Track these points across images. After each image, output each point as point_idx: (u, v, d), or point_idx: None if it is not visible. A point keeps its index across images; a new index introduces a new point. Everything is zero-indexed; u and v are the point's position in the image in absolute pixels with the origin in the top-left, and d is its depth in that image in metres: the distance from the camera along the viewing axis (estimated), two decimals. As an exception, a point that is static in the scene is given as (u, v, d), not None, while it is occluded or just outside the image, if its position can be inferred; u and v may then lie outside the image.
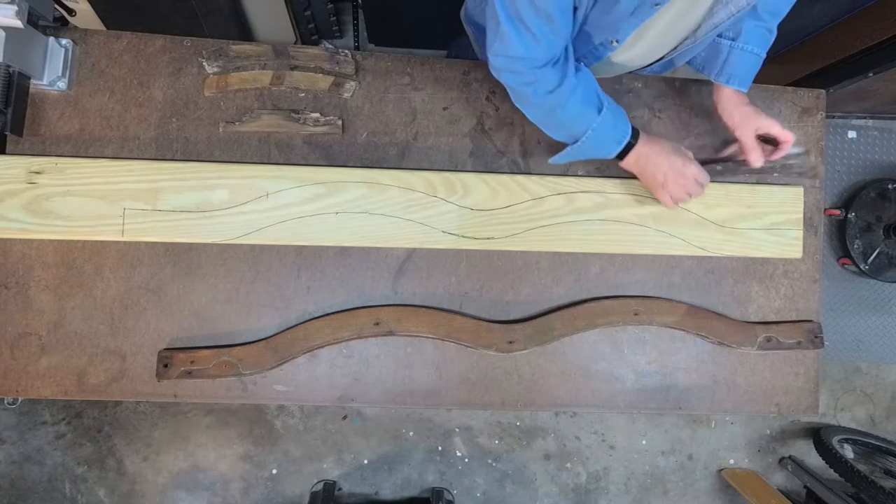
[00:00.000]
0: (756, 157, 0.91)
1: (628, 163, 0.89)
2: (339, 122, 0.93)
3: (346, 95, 0.94)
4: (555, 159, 0.91)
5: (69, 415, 1.84)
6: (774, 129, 0.90)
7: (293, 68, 0.93)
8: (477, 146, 0.97)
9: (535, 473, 1.94)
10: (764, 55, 0.91)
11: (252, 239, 0.91)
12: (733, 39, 0.90)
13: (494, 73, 0.80)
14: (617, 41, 0.82)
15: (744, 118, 0.92)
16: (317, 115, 0.93)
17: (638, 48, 0.88)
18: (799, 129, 1.03)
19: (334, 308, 0.94)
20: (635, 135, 0.86)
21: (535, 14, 0.70)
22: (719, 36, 0.91)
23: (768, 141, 0.93)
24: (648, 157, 0.88)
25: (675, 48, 0.88)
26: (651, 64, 0.94)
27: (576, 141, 0.85)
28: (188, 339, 0.92)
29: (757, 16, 0.88)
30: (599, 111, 0.82)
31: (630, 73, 1.00)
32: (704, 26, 0.82)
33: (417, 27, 1.73)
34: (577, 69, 0.81)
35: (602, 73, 1.00)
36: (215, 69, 0.92)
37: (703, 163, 0.95)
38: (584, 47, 0.87)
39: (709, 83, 1.02)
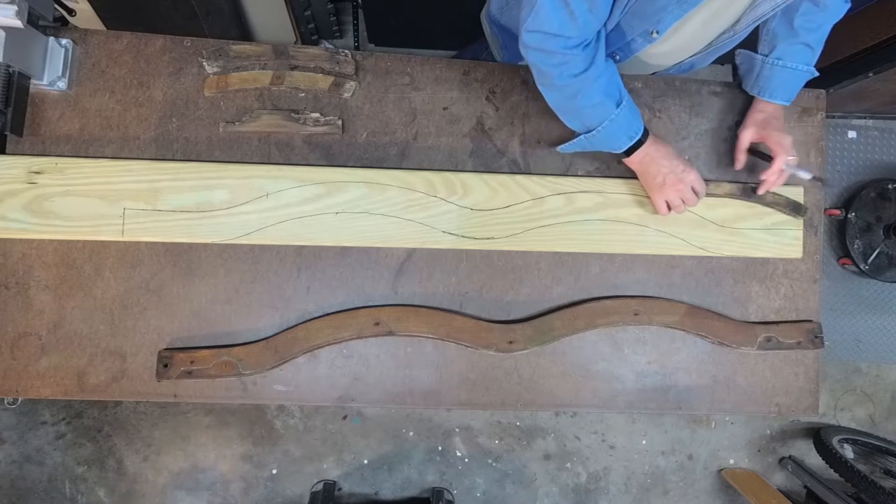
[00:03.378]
0: (738, 161, 0.96)
1: (633, 160, 0.89)
2: (339, 122, 0.93)
3: (346, 95, 0.94)
4: (564, 147, 0.92)
5: (69, 415, 1.84)
6: (770, 141, 0.91)
7: (293, 68, 0.93)
8: (477, 146, 0.97)
9: (535, 473, 1.94)
10: (802, 68, 0.91)
11: (252, 239, 0.91)
12: (766, 55, 0.91)
13: (523, 51, 0.79)
14: (657, 32, 0.82)
15: (752, 122, 0.94)
16: (317, 115, 0.93)
17: (672, 42, 0.88)
18: (799, 128, 1.03)
19: (334, 308, 0.94)
20: (645, 134, 0.87)
21: None
22: (754, 51, 0.93)
23: (764, 157, 0.94)
24: (653, 158, 0.88)
25: (710, 44, 0.89)
26: (679, 63, 0.95)
27: (589, 131, 0.85)
28: (188, 339, 0.92)
29: (793, 32, 0.88)
30: (618, 105, 0.82)
31: (654, 73, 1.01)
32: (745, 19, 0.82)
33: (417, 27, 1.73)
34: (605, 59, 0.81)
35: (640, 69, 1.00)
36: (215, 69, 0.92)
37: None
38: (619, 41, 0.86)
39: (709, 83, 1.02)
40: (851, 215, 1.90)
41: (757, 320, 1.01)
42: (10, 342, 0.89)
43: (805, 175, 0.94)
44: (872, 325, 2.02)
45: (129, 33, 0.92)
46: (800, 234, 1.01)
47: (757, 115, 0.95)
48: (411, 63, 0.97)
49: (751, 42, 0.94)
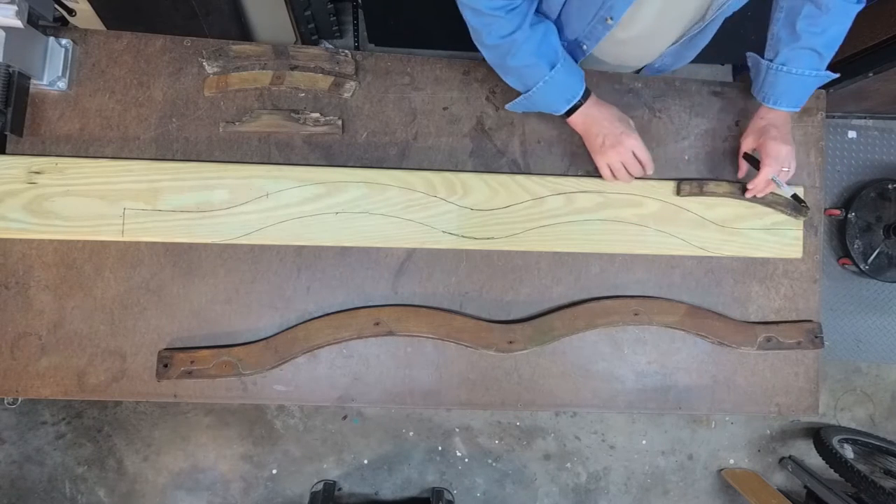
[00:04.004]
0: (740, 169, 0.97)
1: (574, 121, 0.90)
2: (339, 123, 0.93)
3: (346, 95, 0.94)
4: (510, 105, 0.93)
5: (69, 415, 1.84)
6: (764, 149, 0.90)
7: (293, 68, 0.93)
8: (477, 146, 0.97)
9: (535, 473, 1.94)
10: (808, 73, 0.87)
11: (252, 239, 0.91)
12: (770, 60, 0.89)
13: (460, 7, 0.81)
14: (612, 18, 0.83)
15: (752, 128, 0.93)
16: (317, 115, 0.93)
17: (635, 30, 0.88)
18: (799, 128, 1.03)
19: (334, 308, 0.94)
20: (586, 96, 0.87)
21: None
22: (761, 56, 0.90)
23: (755, 164, 0.93)
24: (595, 119, 0.89)
25: (682, 36, 0.89)
26: (660, 57, 0.95)
27: (527, 90, 0.87)
28: (188, 339, 0.92)
29: (795, 36, 0.85)
30: (552, 67, 0.83)
31: (643, 67, 1.01)
32: (711, 10, 0.82)
33: (417, 27, 1.73)
34: (538, 22, 0.83)
35: (616, 60, 1.00)
36: (215, 69, 0.92)
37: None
38: (579, 23, 0.87)
39: (709, 83, 1.02)
40: (851, 215, 1.89)
41: (757, 320, 1.01)
42: (10, 342, 0.89)
43: (787, 192, 0.94)
44: (872, 325, 2.02)
45: (129, 33, 0.93)
46: (800, 234, 1.01)
47: (758, 121, 0.93)
48: (411, 63, 0.97)
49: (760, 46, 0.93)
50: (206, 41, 0.93)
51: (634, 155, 0.90)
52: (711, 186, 0.97)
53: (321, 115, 0.93)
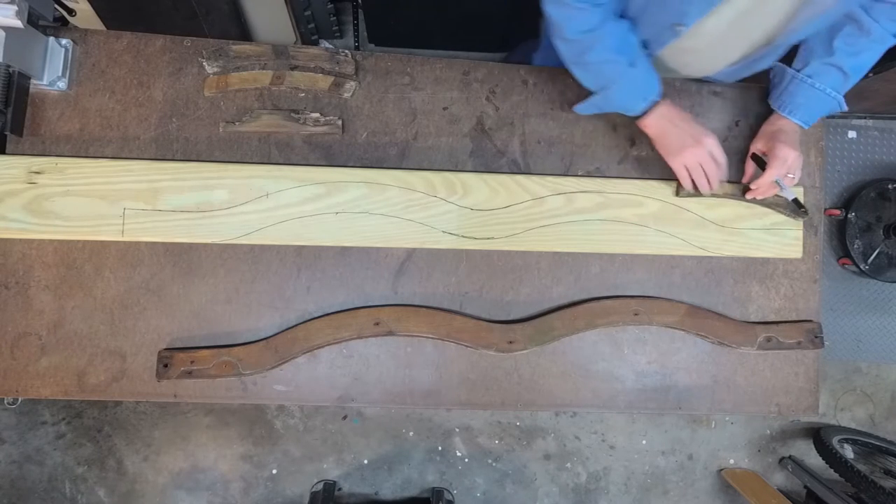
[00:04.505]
0: (745, 173, 0.95)
1: (649, 122, 0.88)
2: (339, 123, 0.93)
3: (346, 95, 0.94)
4: (580, 107, 0.92)
5: (69, 415, 1.84)
6: (773, 152, 0.90)
7: (293, 68, 0.93)
8: (477, 146, 0.97)
9: (535, 473, 1.94)
10: (830, 92, 0.88)
11: (252, 239, 0.91)
12: (798, 69, 0.88)
13: (542, 2, 0.79)
14: (683, 25, 0.81)
15: (763, 133, 0.92)
16: (317, 115, 0.93)
17: (704, 40, 0.85)
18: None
19: (334, 308, 0.94)
20: (662, 97, 0.87)
21: None
22: (788, 65, 0.90)
23: (761, 164, 0.93)
24: (671, 120, 0.87)
25: (747, 55, 0.87)
26: (725, 69, 0.93)
27: (604, 88, 0.85)
28: (188, 339, 0.92)
29: (829, 51, 0.85)
30: (632, 65, 0.82)
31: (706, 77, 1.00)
32: (781, 37, 0.81)
33: (417, 27, 1.73)
34: (618, 18, 0.82)
35: (675, 66, 0.97)
36: (215, 69, 0.92)
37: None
38: (649, 26, 0.86)
39: (709, 83, 1.02)
40: (851, 215, 1.89)
41: (757, 320, 1.01)
42: (10, 342, 0.89)
43: (789, 195, 0.94)
44: (872, 325, 2.02)
45: (129, 33, 0.92)
46: (800, 234, 1.01)
47: (769, 126, 0.93)
48: (411, 63, 0.97)
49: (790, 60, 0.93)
50: (206, 41, 0.93)
51: (711, 155, 0.88)
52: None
53: (321, 115, 0.93)
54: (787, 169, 0.90)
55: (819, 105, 0.90)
